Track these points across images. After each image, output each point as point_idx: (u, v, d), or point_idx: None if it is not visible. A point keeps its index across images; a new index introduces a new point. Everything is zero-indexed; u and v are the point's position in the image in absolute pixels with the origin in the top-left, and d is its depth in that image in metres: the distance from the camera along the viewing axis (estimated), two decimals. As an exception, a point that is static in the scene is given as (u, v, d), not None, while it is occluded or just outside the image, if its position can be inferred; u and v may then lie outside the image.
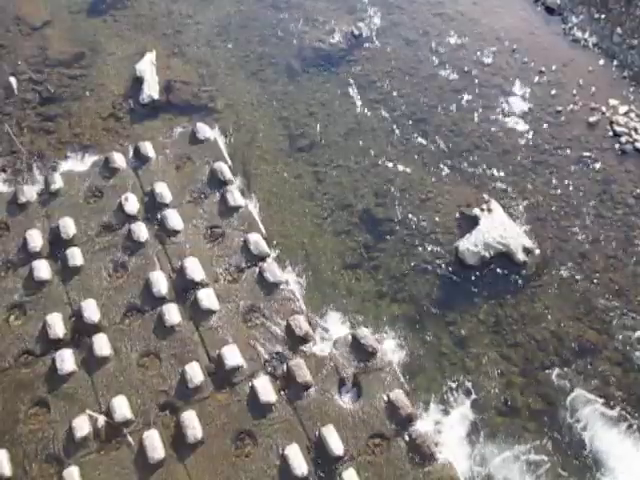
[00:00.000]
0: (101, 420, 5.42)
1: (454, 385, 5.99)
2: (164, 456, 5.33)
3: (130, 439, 5.39)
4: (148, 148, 7.54)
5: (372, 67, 8.83)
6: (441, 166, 7.80)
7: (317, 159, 7.83)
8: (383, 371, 5.83)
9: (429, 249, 7.01)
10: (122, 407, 5.51)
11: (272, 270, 6.48)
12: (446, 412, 5.80)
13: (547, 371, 6.08)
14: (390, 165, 7.79)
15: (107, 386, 5.70)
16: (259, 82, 8.69)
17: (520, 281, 6.70)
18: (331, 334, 6.22)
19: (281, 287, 6.38)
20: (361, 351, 5.96)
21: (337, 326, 6.32)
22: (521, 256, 6.79)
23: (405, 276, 6.80)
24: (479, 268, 6.78)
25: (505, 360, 6.16)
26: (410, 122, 8.25)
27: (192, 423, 5.43)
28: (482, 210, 7.20)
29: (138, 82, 8.43)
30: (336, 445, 5.34)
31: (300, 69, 8.81)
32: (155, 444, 5.33)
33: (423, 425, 5.57)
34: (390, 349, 6.15)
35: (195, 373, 5.72)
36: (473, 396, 5.92)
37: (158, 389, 5.69)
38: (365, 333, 6.07)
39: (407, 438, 5.43)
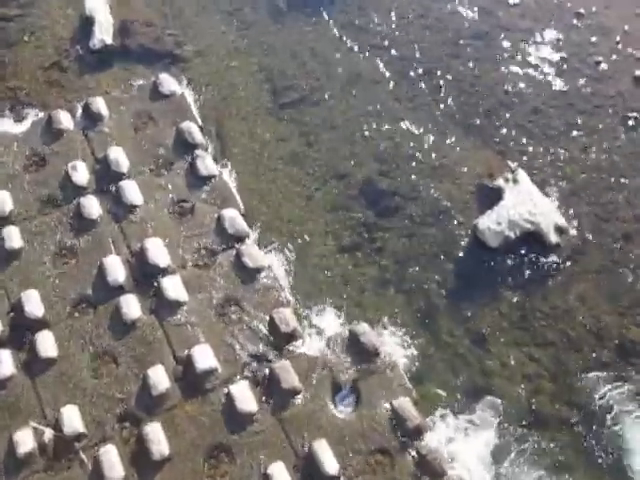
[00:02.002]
0: (48, 434, 5.44)
1: (471, 391, 6.00)
2: (124, 475, 5.34)
3: (83, 456, 5.42)
4: (100, 105, 7.49)
5: (374, 5, 8.77)
6: (457, 127, 7.77)
7: (307, 118, 7.79)
8: (386, 374, 5.84)
9: (442, 228, 6.99)
10: (72, 418, 5.51)
11: (252, 254, 6.45)
12: (461, 423, 5.79)
13: (582, 375, 6.11)
14: (396, 125, 7.75)
15: (54, 393, 5.70)
16: (236, 24, 8.62)
17: (551, 267, 6.70)
18: (324, 331, 6.21)
19: (263, 274, 6.37)
20: (360, 351, 5.95)
21: (331, 321, 6.32)
22: (553, 237, 6.79)
23: (413, 261, 6.79)
24: (502, 251, 6.77)
25: (533, 362, 6.18)
26: (420, 74, 8.20)
27: (157, 437, 5.44)
28: (507, 181, 7.19)
29: (88, 23, 8.32)
30: (330, 463, 5.34)
31: (286, 8, 8.74)
32: (113, 462, 5.36)
33: (433, 439, 5.58)
34: (395, 348, 6.15)
35: (159, 378, 5.72)
36: (494, 405, 5.93)
37: (115, 397, 5.70)
38: (365, 329, 6.06)
39: (415, 454, 5.46)
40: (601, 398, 5.94)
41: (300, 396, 5.70)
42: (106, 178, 6.96)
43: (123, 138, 7.26)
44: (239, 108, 7.84)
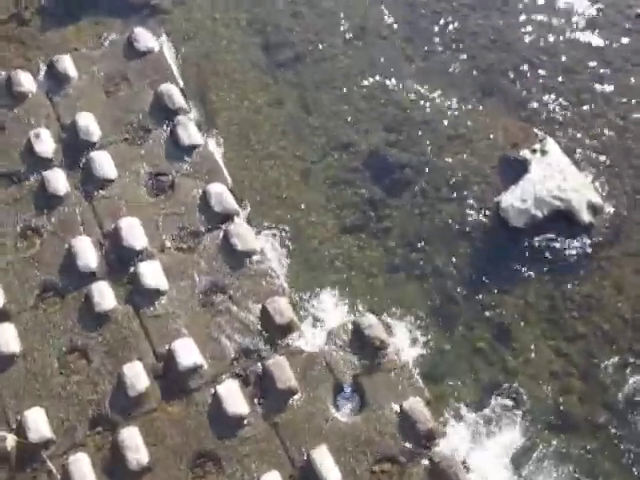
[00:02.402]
0: (11, 440, 5.44)
1: (491, 391, 5.97)
2: (97, 487, 5.45)
3: (51, 465, 5.42)
4: (67, 64, 7.44)
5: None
6: (477, 89, 7.69)
7: (304, 79, 7.75)
8: (395, 372, 5.82)
9: (460, 206, 6.95)
10: (39, 423, 5.50)
11: (242, 234, 6.43)
12: (480, 427, 5.76)
13: (617, 372, 6.06)
14: (406, 87, 7.70)
15: (17, 394, 5.70)
16: (222, -32, 8.67)
17: (584, 251, 6.65)
18: (324, 322, 6.19)
19: (255, 258, 6.35)
20: (365, 345, 5.93)
21: (332, 311, 6.28)
22: (586, 216, 6.75)
23: (426, 243, 6.77)
24: (528, 232, 6.72)
25: (561, 358, 6.14)
26: (435, 28, 8.14)
27: (134, 444, 5.42)
28: (534, 152, 7.15)
29: (51, -32, 8.37)
30: (331, 472, 5.32)
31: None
32: (84, 472, 5.33)
33: (448, 444, 5.53)
34: (405, 342, 6.12)
35: (137, 376, 5.69)
36: (517, 406, 5.89)
37: (87, 398, 5.70)
38: (371, 321, 6.01)
39: (427, 462, 5.44)
40: (638, 397, 5.90)
41: (297, 397, 5.67)
42: (74, 148, 6.94)
43: (93, 102, 7.19)
44: (226, 67, 7.80)
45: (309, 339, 5.98)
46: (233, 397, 5.57)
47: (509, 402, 5.90)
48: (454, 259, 6.64)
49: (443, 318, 6.34)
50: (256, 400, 5.65)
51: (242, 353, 5.86)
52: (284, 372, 5.67)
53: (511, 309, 6.35)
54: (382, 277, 6.53)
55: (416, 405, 5.58)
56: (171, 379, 5.72)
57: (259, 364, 5.78)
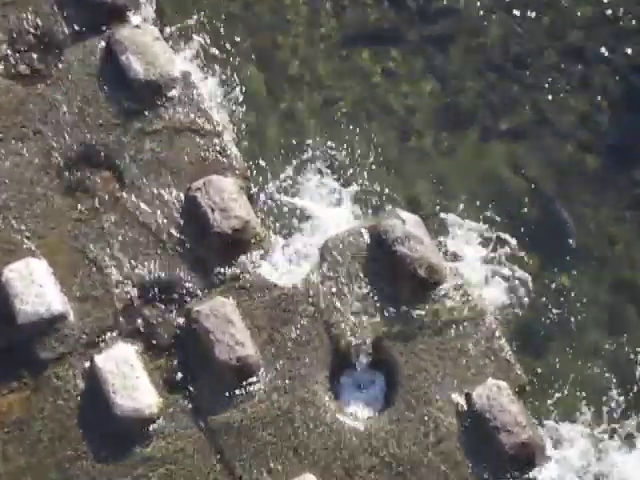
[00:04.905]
0: None
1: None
2: None
3: None
4: None
5: None
6: None
7: None
8: (458, 332, 5.58)
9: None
10: None
11: (144, 46, 6.26)
12: (620, 444, 5.44)
13: None
14: None
15: None
16: None
17: None
18: (314, 228, 6.06)
19: (170, 95, 6.19)
20: (398, 276, 5.61)
21: (331, 207, 6.23)
22: None
23: (519, 67, 6.81)
24: None
25: None
26: None
27: None
28: None
29: None
30: None
31: None
32: None
33: (556, 474, 5.30)
34: (479, 272, 5.97)
35: None
36: None
37: None
38: (409, 227, 5.71)
39: None
40: None
41: (257, 378, 5.32)
42: None
43: None
44: None
45: (283, 262, 5.75)
46: (128, 378, 5.32)
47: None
48: (570, 118, 6.53)
49: (554, 225, 6.29)
50: (177, 382, 5.39)
51: (147, 291, 5.62)
52: (231, 328, 5.41)
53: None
54: (431, 136, 6.58)
55: (499, 396, 5.33)
56: (5, 341, 5.51)
57: (179, 312, 5.54)
